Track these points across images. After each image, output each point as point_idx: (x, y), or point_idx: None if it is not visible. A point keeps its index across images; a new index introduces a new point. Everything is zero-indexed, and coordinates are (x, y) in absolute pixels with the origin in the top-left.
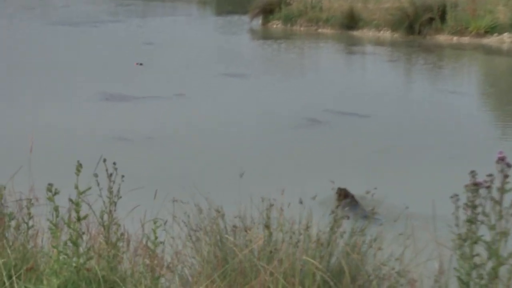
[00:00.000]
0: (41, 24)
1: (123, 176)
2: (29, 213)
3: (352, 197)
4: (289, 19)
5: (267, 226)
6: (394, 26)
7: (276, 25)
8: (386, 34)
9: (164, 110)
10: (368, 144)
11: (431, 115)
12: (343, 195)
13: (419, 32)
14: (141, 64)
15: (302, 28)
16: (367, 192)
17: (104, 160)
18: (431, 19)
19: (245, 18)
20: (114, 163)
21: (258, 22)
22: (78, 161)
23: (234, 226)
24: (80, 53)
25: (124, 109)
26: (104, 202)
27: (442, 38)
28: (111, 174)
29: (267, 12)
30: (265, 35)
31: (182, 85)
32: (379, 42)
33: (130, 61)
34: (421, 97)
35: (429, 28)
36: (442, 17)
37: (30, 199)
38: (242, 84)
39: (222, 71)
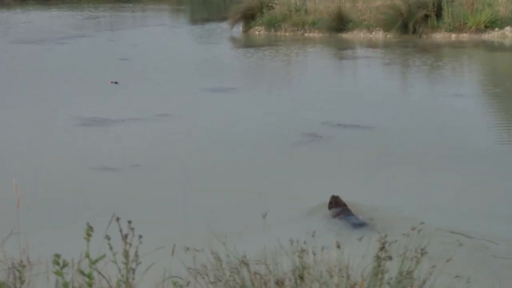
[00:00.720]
0: (1, 42)
1: (140, 237)
2: (21, 278)
3: (344, 205)
4: (272, 24)
5: (301, 277)
6: (386, 26)
7: (258, 31)
8: (379, 35)
9: (148, 134)
10: (377, 157)
11: (435, 121)
12: (335, 203)
13: (414, 31)
14: (116, 82)
15: (287, 33)
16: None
17: (118, 219)
18: (426, 16)
19: (223, 25)
20: (129, 222)
21: (239, 29)
22: (87, 224)
23: (263, 279)
24: (48, 73)
25: (104, 135)
26: (119, 269)
27: (439, 36)
28: (126, 235)
29: (248, 18)
30: (248, 43)
31: (164, 104)
32: (371, 44)
33: (104, 80)
34: (423, 102)
35: (424, 26)
36: (438, 13)
37: (22, 262)
38: (229, 100)
39: (206, 86)
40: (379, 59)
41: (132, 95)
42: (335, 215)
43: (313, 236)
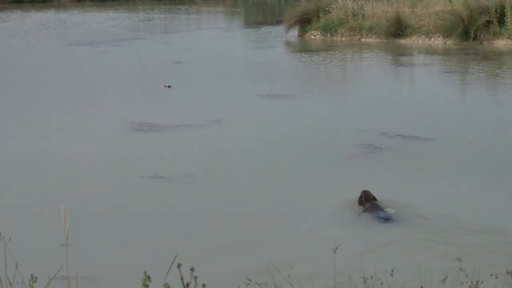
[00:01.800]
0: (58, 44)
1: (204, 286)
2: None
3: (374, 198)
4: (328, 29)
5: None
6: (446, 32)
7: (314, 36)
8: (438, 41)
9: (202, 141)
10: (440, 170)
11: (497, 133)
12: (365, 197)
13: (475, 38)
14: (169, 86)
15: (343, 38)
16: None
17: (179, 266)
18: (488, 23)
19: (278, 29)
20: (192, 269)
21: (294, 33)
22: (145, 273)
23: None
24: (102, 75)
25: (157, 141)
26: None
27: (501, 43)
28: (187, 284)
29: (304, 22)
30: (304, 48)
31: (219, 110)
32: (430, 51)
33: (158, 83)
34: (485, 113)
35: (486, 32)
36: (501, 19)
37: None
38: (284, 107)
39: (261, 92)
40: (438, 66)
41: (186, 100)
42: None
43: None
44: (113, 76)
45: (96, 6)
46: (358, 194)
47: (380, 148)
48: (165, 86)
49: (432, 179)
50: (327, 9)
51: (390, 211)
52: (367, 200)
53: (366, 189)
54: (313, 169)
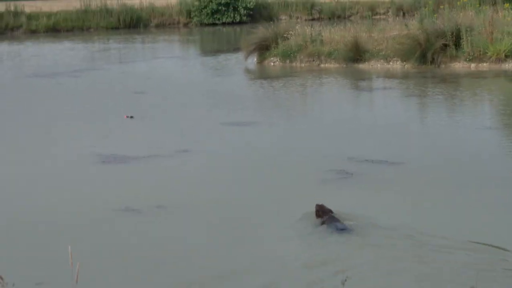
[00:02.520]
0: (14, 76)
1: None
2: None
3: (330, 211)
4: (287, 55)
5: None
6: (404, 56)
7: (273, 63)
8: (396, 65)
9: (170, 171)
10: (417, 194)
11: (460, 156)
12: (321, 211)
13: (432, 61)
14: (131, 117)
15: (303, 64)
16: None
17: None
18: (445, 46)
19: (236, 56)
20: None
21: (253, 60)
22: None
23: None
24: (62, 108)
25: (125, 173)
26: None
27: (458, 66)
28: None
29: (263, 49)
30: (264, 74)
31: (185, 139)
32: (389, 75)
33: (119, 114)
34: (447, 135)
35: (443, 56)
36: (457, 43)
37: None
38: (251, 134)
39: (224, 120)
40: (398, 90)
41: (150, 130)
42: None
43: None
44: (73, 107)
45: (50, 37)
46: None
47: (352, 174)
48: (127, 117)
49: (403, 198)
50: (285, 35)
51: (348, 222)
52: (324, 213)
53: (329, 207)
54: (286, 197)
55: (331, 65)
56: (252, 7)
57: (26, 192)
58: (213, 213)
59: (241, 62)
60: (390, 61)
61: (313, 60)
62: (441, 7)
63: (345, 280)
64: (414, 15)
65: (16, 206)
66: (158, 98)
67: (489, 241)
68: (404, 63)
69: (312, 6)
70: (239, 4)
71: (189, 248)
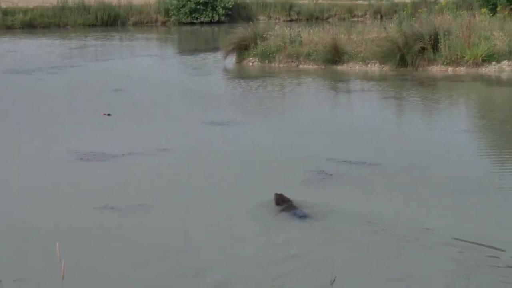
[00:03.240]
0: None
1: None
2: None
3: (288, 200)
4: (266, 56)
5: None
6: (382, 58)
7: (252, 63)
8: (375, 68)
9: (149, 170)
10: (397, 193)
11: (436, 157)
12: (281, 199)
13: (410, 64)
14: (109, 114)
15: (281, 65)
16: None
17: None
18: (422, 49)
19: (214, 55)
20: None
21: (232, 59)
22: None
23: None
24: (39, 104)
25: (104, 171)
26: None
27: (436, 69)
28: None
29: (242, 49)
30: (242, 74)
31: (163, 138)
32: (367, 77)
33: (97, 112)
34: (423, 137)
35: (421, 59)
36: (435, 46)
37: None
38: (230, 133)
39: (203, 118)
40: (376, 92)
41: (129, 128)
42: (282, 210)
43: None
44: (50, 104)
45: (27, 33)
46: None
47: (331, 175)
48: (104, 114)
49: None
50: (264, 36)
51: (307, 210)
52: (283, 201)
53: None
54: (266, 196)
55: (310, 66)
56: (230, 7)
57: (3, 191)
58: (191, 211)
59: (219, 62)
60: (368, 63)
61: (292, 61)
62: (419, 10)
63: (334, 281)
64: (391, 18)
65: None
66: (136, 96)
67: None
68: (383, 65)
69: (291, 7)
70: (218, 3)
71: (168, 245)
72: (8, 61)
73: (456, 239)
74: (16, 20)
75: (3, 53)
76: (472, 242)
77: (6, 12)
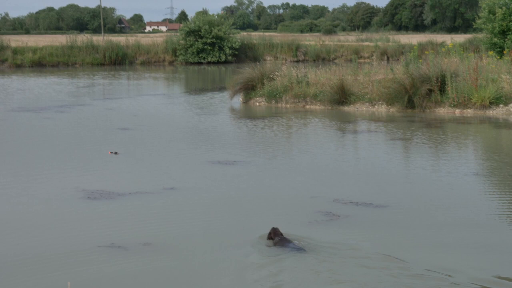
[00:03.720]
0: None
1: None
2: None
3: (281, 234)
4: (273, 96)
5: None
6: (389, 100)
7: (259, 103)
8: (381, 109)
9: (156, 209)
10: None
11: (442, 199)
12: (274, 233)
13: (417, 106)
14: (116, 153)
15: (288, 105)
16: None
17: None
18: (430, 91)
19: (221, 95)
20: None
21: (238, 99)
22: None
23: None
24: (47, 142)
25: (111, 209)
26: None
27: (443, 111)
28: None
29: (249, 89)
30: (249, 114)
31: (171, 177)
32: (374, 118)
33: (105, 150)
34: (431, 179)
35: (428, 101)
36: (442, 88)
37: None
38: (237, 173)
39: (210, 158)
40: (382, 133)
41: (136, 167)
42: (276, 243)
43: None
44: (58, 142)
45: (36, 72)
46: None
47: (339, 216)
48: (111, 153)
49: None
50: (271, 76)
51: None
52: (276, 235)
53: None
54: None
55: (317, 106)
56: (237, 47)
57: (12, 229)
58: (198, 251)
59: (226, 101)
60: (375, 104)
61: (299, 101)
62: (426, 52)
63: None
64: (398, 59)
65: (2, 243)
66: (143, 135)
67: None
68: (389, 106)
69: (297, 48)
70: (225, 44)
71: (174, 284)
72: (17, 99)
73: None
74: (26, 58)
75: (13, 91)
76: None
77: (16, 51)
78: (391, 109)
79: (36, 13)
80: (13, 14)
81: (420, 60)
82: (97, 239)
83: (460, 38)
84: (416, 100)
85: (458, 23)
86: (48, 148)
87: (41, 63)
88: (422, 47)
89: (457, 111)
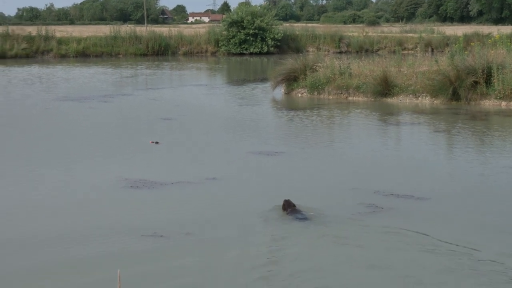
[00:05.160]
0: (44, 100)
1: None
2: None
3: (294, 205)
4: (315, 87)
5: None
6: (434, 91)
7: (301, 94)
8: (425, 101)
9: (199, 198)
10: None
11: (488, 194)
12: (287, 204)
13: (462, 98)
14: (157, 142)
15: (330, 97)
16: None
17: None
18: (475, 83)
19: (263, 86)
20: None
21: (280, 90)
22: None
23: None
24: (91, 131)
25: (153, 199)
26: None
27: (488, 103)
28: None
29: (291, 80)
30: (291, 105)
31: (213, 167)
32: (418, 110)
33: (147, 140)
34: (477, 174)
35: (473, 93)
36: (488, 80)
37: None
38: (277, 164)
39: (251, 149)
40: (426, 125)
41: (178, 156)
42: (288, 213)
43: None
44: (102, 132)
45: (80, 62)
46: None
47: (382, 208)
48: (152, 142)
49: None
50: (314, 67)
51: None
52: (289, 206)
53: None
54: (322, 228)
55: (359, 98)
56: (280, 38)
57: (55, 217)
58: (240, 241)
59: (268, 92)
60: (419, 96)
61: (341, 93)
62: (472, 44)
63: None
64: (442, 51)
65: (45, 231)
66: (186, 125)
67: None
68: (433, 98)
69: (340, 39)
70: (267, 35)
71: (215, 275)
72: (62, 88)
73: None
74: (70, 49)
75: (58, 81)
76: None
77: (60, 41)
78: (435, 101)
79: (81, 3)
80: (58, 5)
81: (465, 52)
82: (140, 228)
83: (507, 29)
84: (461, 92)
85: (505, 14)
86: (91, 137)
87: (85, 53)
88: (467, 39)
89: (503, 103)
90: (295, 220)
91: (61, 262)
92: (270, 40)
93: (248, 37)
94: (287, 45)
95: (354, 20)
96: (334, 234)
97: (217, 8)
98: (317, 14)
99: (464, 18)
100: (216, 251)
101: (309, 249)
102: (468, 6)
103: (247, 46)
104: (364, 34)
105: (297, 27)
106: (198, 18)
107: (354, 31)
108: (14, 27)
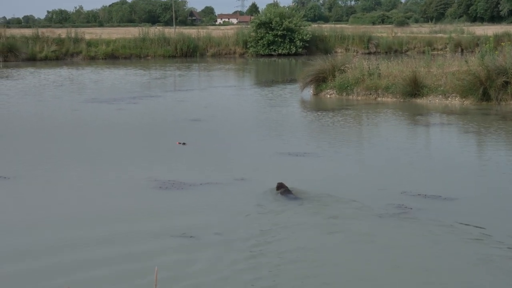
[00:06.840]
0: (73, 101)
1: None
2: None
3: (286, 187)
4: (344, 88)
5: None
6: (464, 92)
7: (330, 95)
8: (455, 101)
9: (228, 199)
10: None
11: None
12: (280, 186)
13: (493, 98)
14: (184, 143)
15: (359, 97)
16: None
17: None
18: (506, 83)
19: (291, 87)
20: None
21: (309, 91)
22: None
23: None
24: (120, 133)
25: (183, 199)
26: None
27: None
28: None
29: (320, 81)
30: (320, 106)
31: (241, 168)
32: (448, 111)
33: (176, 141)
34: (506, 174)
35: (504, 93)
36: None
37: None
38: (305, 165)
39: (280, 149)
40: (456, 126)
41: (206, 157)
42: (281, 193)
43: None
44: (130, 133)
45: (109, 64)
46: None
47: (411, 208)
48: (179, 143)
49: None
50: (342, 68)
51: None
52: (281, 187)
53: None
54: (349, 230)
55: (388, 99)
56: (308, 39)
57: (85, 218)
58: (265, 244)
59: (296, 93)
60: (448, 96)
61: (370, 94)
62: (502, 44)
63: None
64: (472, 51)
65: (75, 232)
66: (214, 126)
67: None
68: (463, 99)
69: (369, 40)
70: (296, 36)
71: (239, 274)
72: (91, 90)
73: None
74: (99, 51)
75: (88, 82)
76: None
77: (89, 44)
78: (465, 102)
79: (109, 6)
80: (87, 7)
81: (496, 52)
82: (170, 229)
83: None
84: (492, 92)
85: None
86: (120, 138)
87: (114, 55)
88: (498, 39)
89: None
90: (324, 225)
91: (91, 261)
92: (298, 41)
93: (276, 38)
94: (315, 46)
95: (383, 20)
96: (365, 232)
97: (245, 9)
98: (346, 15)
99: (495, 18)
100: (244, 251)
101: (348, 253)
102: (499, 6)
103: (276, 47)
104: (393, 34)
105: (326, 28)
106: (226, 19)
107: (383, 32)
108: (44, 30)
